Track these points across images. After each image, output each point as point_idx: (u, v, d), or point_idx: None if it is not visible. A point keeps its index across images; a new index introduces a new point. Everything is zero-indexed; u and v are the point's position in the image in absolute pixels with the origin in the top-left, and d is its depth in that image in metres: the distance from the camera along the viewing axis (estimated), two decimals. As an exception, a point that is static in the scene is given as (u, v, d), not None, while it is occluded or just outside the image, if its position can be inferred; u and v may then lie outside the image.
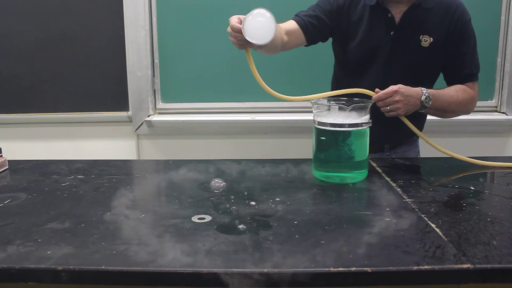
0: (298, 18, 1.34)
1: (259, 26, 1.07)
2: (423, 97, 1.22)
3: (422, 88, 1.23)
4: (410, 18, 1.30)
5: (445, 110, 1.32)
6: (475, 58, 1.36)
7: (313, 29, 1.33)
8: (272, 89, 1.14)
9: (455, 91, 1.32)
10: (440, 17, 1.31)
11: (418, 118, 1.31)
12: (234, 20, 1.10)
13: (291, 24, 1.32)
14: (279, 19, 1.15)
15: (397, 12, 1.31)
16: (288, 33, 1.29)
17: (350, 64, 1.42)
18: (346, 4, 1.35)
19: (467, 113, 1.39)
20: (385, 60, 1.34)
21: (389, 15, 1.31)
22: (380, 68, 1.35)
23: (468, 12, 1.33)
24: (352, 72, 1.42)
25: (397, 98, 1.18)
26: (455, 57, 1.34)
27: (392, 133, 1.44)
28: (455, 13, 1.31)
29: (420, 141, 1.56)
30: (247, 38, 1.07)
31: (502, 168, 1.25)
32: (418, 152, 1.56)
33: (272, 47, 1.22)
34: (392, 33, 1.32)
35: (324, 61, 1.51)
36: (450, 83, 1.38)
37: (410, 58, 1.33)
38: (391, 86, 1.19)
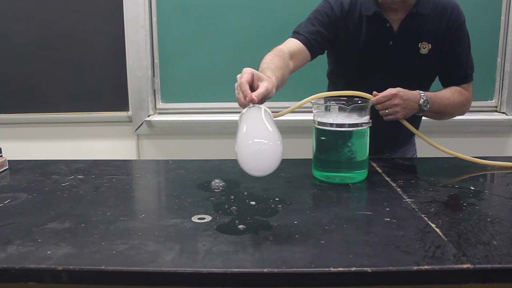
0: (302, 37, 1.29)
1: (261, 153, 0.80)
2: (421, 101, 1.21)
3: (420, 92, 1.22)
4: (408, 27, 1.29)
5: (442, 112, 1.31)
6: (469, 59, 1.36)
7: (317, 45, 1.31)
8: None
9: (451, 94, 1.32)
10: (437, 21, 1.30)
11: (414, 118, 1.31)
12: (245, 87, 0.92)
13: (295, 45, 1.28)
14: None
15: (395, 21, 1.30)
16: (293, 55, 1.25)
17: (349, 75, 1.41)
18: (343, 14, 1.32)
19: (462, 114, 1.39)
20: (385, 69, 1.33)
21: (387, 24, 1.29)
22: (380, 77, 1.33)
23: (463, 12, 1.32)
24: (352, 82, 1.40)
25: (396, 101, 1.17)
26: (451, 59, 1.34)
27: (391, 140, 1.46)
28: (451, 14, 1.30)
29: (417, 140, 1.57)
30: (244, 169, 0.82)
31: (502, 168, 1.25)
32: (415, 149, 1.57)
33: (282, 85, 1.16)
34: (391, 42, 1.31)
35: (324, 61, 1.51)
36: (445, 84, 1.37)
37: (410, 66, 1.33)
38: (389, 89, 1.17)
